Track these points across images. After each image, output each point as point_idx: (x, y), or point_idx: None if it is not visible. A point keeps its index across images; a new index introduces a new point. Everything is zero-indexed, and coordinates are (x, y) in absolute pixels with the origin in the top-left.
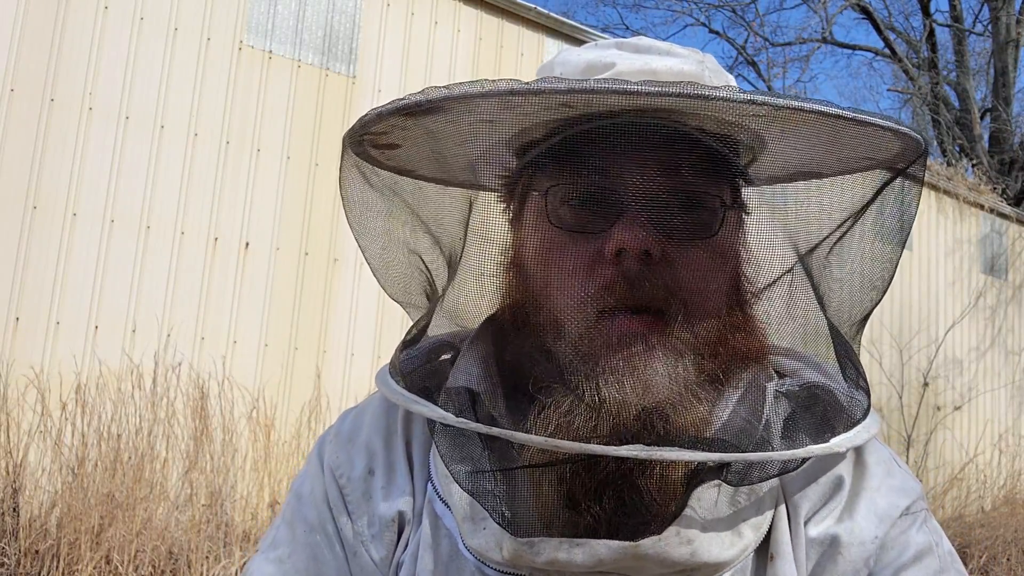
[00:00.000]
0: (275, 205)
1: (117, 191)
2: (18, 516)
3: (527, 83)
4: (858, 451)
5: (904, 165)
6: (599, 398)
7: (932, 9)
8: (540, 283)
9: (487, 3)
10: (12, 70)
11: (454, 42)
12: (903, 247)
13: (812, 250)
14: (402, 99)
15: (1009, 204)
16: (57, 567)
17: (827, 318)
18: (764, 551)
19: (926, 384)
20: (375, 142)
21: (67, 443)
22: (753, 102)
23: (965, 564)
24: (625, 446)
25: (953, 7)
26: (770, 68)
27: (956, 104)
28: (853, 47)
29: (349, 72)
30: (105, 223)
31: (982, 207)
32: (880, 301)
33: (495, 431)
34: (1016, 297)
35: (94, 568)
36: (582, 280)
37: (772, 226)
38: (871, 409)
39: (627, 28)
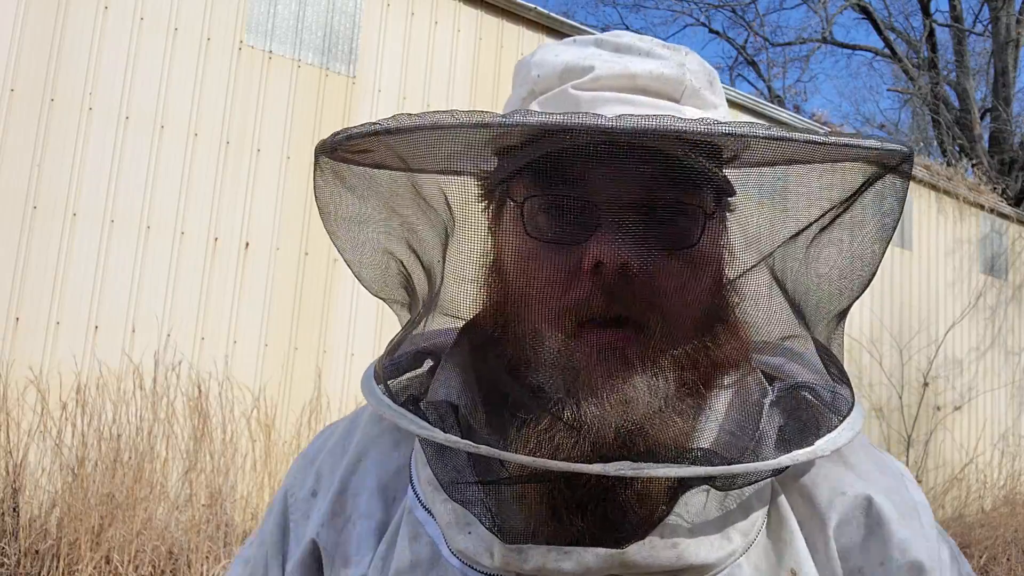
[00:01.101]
0: (275, 205)
1: (117, 191)
2: (18, 516)
3: (499, 116)
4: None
5: (888, 168)
6: (578, 414)
7: (932, 9)
8: (517, 294)
9: (487, 3)
10: (12, 70)
11: (454, 42)
12: (887, 245)
13: (792, 248)
14: (374, 123)
15: (1009, 204)
16: (57, 567)
17: (805, 316)
18: (775, 567)
19: (926, 384)
20: (350, 149)
21: (67, 443)
22: (731, 135)
23: None
24: (613, 464)
25: (953, 7)
26: (770, 68)
27: (956, 104)
28: (853, 47)
29: (349, 72)
30: (105, 223)
31: (982, 207)
32: (859, 297)
33: (483, 450)
34: (1016, 297)
35: (94, 568)
36: (559, 293)
37: (753, 226)
38: (855, 403)
39: (627, 28)
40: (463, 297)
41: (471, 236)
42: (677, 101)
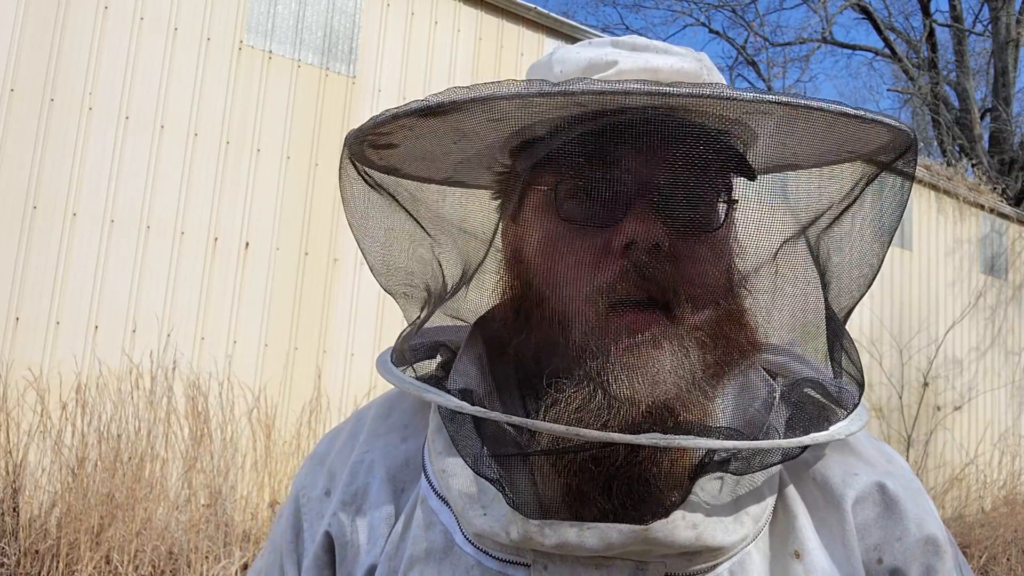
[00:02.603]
0: (275, 205)
1: (117, 191)
2: (18, 516)
3: (556, 84)
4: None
5: (893, 157)
6: (610, 391)
7: (932, 9)
8: (548, 277)
9: (487, 3)
10: (12, 70)
11: (454, 42)
12: (891, 237)
13: (806, 240)
14: (423, 100)
15: (1009, 204)
16: (57, 567)
17: (826, 305)
18: (780, 552)
19: (926, 384)
20: (374, 142)
21: (67, 443)
22: (780, 102)
23: None
24: (644, 434)
25: (953, 7)
26: (770, 68)
27: (956, 104)
28: (853, 47)
29: (349, 72)
30: (105, 223)
31: (982, 207)
32: (867, 291)
33: (517, 420)
34: (1016, 297)
35: (94, 568)
36: (591, 273)
37: (767, 219)
38: (861, 398)
39: (627, 28)
40: (488, 284)
41: (495, 222)
42: None
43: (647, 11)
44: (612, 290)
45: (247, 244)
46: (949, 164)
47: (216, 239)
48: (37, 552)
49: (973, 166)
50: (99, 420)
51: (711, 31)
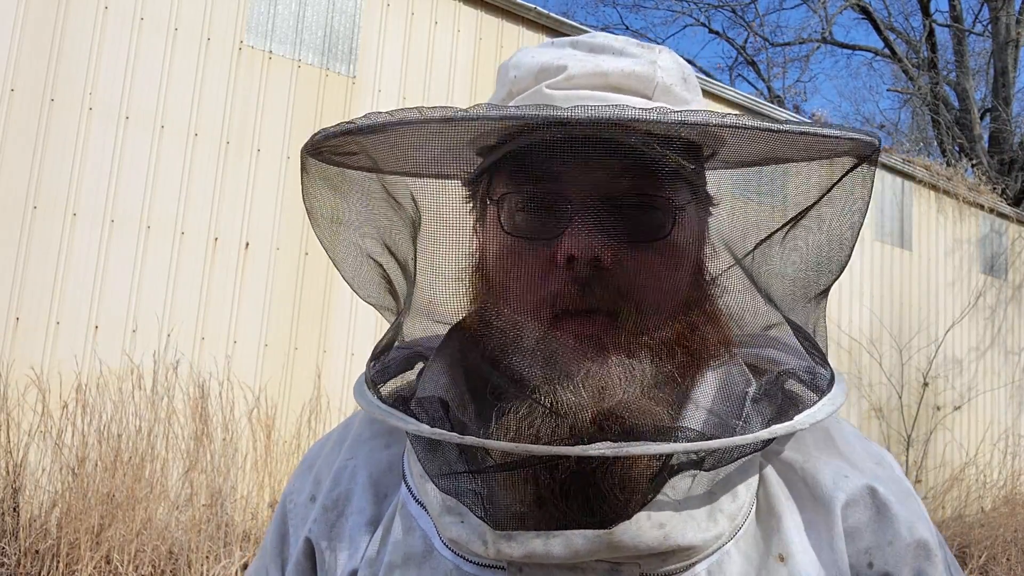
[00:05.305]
0: (275, 205)
1: (117, 191)
2: (18, 516)
3: (462, 110)
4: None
5: (857, 161)
6: (556, 400)
7: (932, 9)
8: (496, 289)
9: (487, 3)
10: (12, 70)
11: (454, 42)
12: (859, 230)
13: (768, 237)
14: (348, 123)
15: (1009, 204)
16: (57, 567)
17: (783, 302)
18: (764, 554)
19: (926, 384)
20: (336, 150)
21: (67, 443)
22: (684, 123)
23: (964, 564)
24: (593, 445)
25: (953, 7)
26: (770, 68)
27: (956, 104)
28: (853, 47)
29: (349, 72)
30: (105, 223)
31: (982, 207)
32: (836, 280)
33: (468, 440)
34: (1016, 297)
35: (94, 568)
36: (535, 286)
37: (728, 218)
38: (836, 381)
39: (627, 28)
40: (448, 298)
41: (450, 236)
42: (649, 98)
43: (647, 11)
44: (554, 303)
45: (247, 244)
46: (949, 164)
47: (216, 239)
48: (37, 552)
49: (973, 166)
50: (99, 420)
51: (711, 31)
